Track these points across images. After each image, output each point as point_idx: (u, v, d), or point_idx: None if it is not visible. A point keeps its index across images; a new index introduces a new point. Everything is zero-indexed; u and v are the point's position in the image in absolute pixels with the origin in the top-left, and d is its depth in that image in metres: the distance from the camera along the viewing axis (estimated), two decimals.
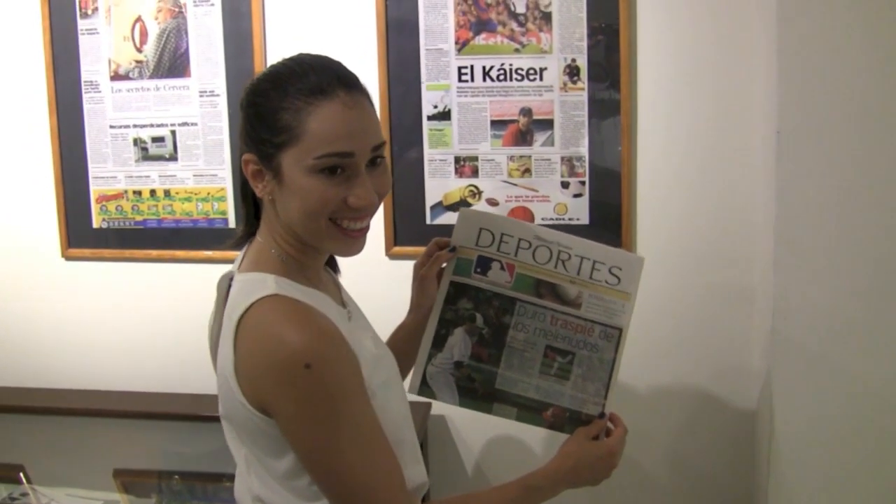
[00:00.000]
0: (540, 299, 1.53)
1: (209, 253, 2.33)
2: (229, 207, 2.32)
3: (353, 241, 1.29)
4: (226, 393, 1.26)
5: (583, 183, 2.14)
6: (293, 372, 1.15)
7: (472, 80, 2.16)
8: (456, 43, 2.16)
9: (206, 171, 2.31)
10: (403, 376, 1.51)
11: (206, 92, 2.28)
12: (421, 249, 2.12)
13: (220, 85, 2.27)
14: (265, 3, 2.25)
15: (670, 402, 2.22)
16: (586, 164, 2.13)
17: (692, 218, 2.13)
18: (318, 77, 1.23)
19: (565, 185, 2.15)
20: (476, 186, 2.20)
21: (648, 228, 2.16)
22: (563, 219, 2.16)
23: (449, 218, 2.20)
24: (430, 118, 2.20)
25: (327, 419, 1.18)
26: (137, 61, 2.30)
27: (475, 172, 2.19)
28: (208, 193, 2.32)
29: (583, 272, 1.53)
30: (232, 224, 2.31)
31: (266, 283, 1.24)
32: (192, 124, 2.30)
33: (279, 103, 1.23)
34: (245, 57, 2.25)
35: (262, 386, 1.19)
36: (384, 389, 1.31)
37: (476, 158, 2.19)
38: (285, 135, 1.22)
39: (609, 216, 2.14)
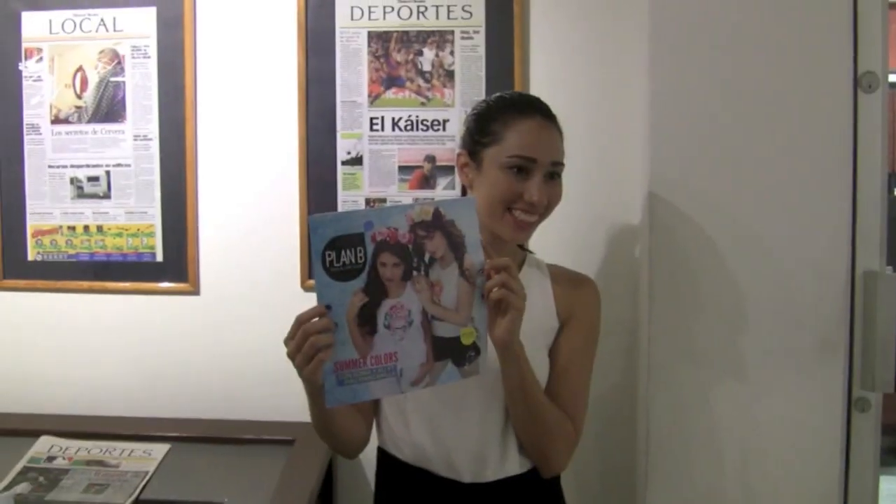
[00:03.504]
0: None
1: (137, 285, 2.46)
2: (157, 243, 2.44)
3: (520, 231, 1.62)
4: None
5: None
6: None
7: (383, 129, 2.34)
8: (369, 96, 2.34)
9: (136, 208, 2.45)
10: None
11: (140, 136, 2.43)
12: None
13: (153, 130, 2.42)
14: (197, 59, 2.41)
15: None
16: None
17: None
18: (524, 102, 1.66)
19: None
20: None
21: None
22: None
23: None
24: (343, 163, 2.35)
25: None
26: (77, 107, 2.44)
27: None
28: (138, 230, 2.45)
29: None
30: (159, 258, 2.45)
31: None
32: (126, 165, 2.44)
33: (493, 115, 1.63)
34: (178, 106, 2.41)
35: None
36: None
37: (385, 200, 2.33)
38: (491, 137, 1.61)
39: None
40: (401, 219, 1.41)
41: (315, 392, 1.47)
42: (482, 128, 1.64)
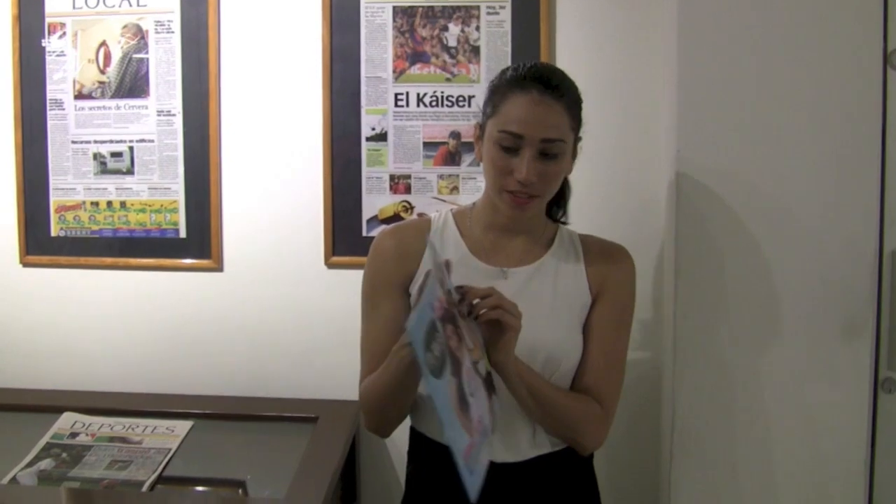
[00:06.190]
0: None
1: (160, 261, 2.46)
2: (181, 219, 2.45)
3: (517, 207, 1.57)
4: None
5: None
6: None
7: (408, 105, 2.34)
8: (393, 72, 2.34)
9: (160, 184, 2.45)
10: None
11: (163, 112, 2.43)
12: (356, 259, 2.28)
13: (176, 105, 2.42)
14: (221, 34, 2.40)
15: None
16: None
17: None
18: (525, 75, 1.56)
19: None
20: (409, 202, 2.37)
21: None
22: None
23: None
24: (368, 139, 2.36)
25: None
26: (100, 82, 2.45)
27: (408, 189, 2.36)
28: (161, 205, 2.45)
29: None
30: (182, 234, 2.45)
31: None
32: (149, 141, 2.44)
33: (498, 87, 1.59)
34: (202, 81, 2.41)
35: None
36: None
37: (409, 177, 2.36)
38: (491, 109, 1.58)
39: None
40: (435, 286, 1.34)
41: (402, 373, 1.50)
42: (489, 99, 1.61)
